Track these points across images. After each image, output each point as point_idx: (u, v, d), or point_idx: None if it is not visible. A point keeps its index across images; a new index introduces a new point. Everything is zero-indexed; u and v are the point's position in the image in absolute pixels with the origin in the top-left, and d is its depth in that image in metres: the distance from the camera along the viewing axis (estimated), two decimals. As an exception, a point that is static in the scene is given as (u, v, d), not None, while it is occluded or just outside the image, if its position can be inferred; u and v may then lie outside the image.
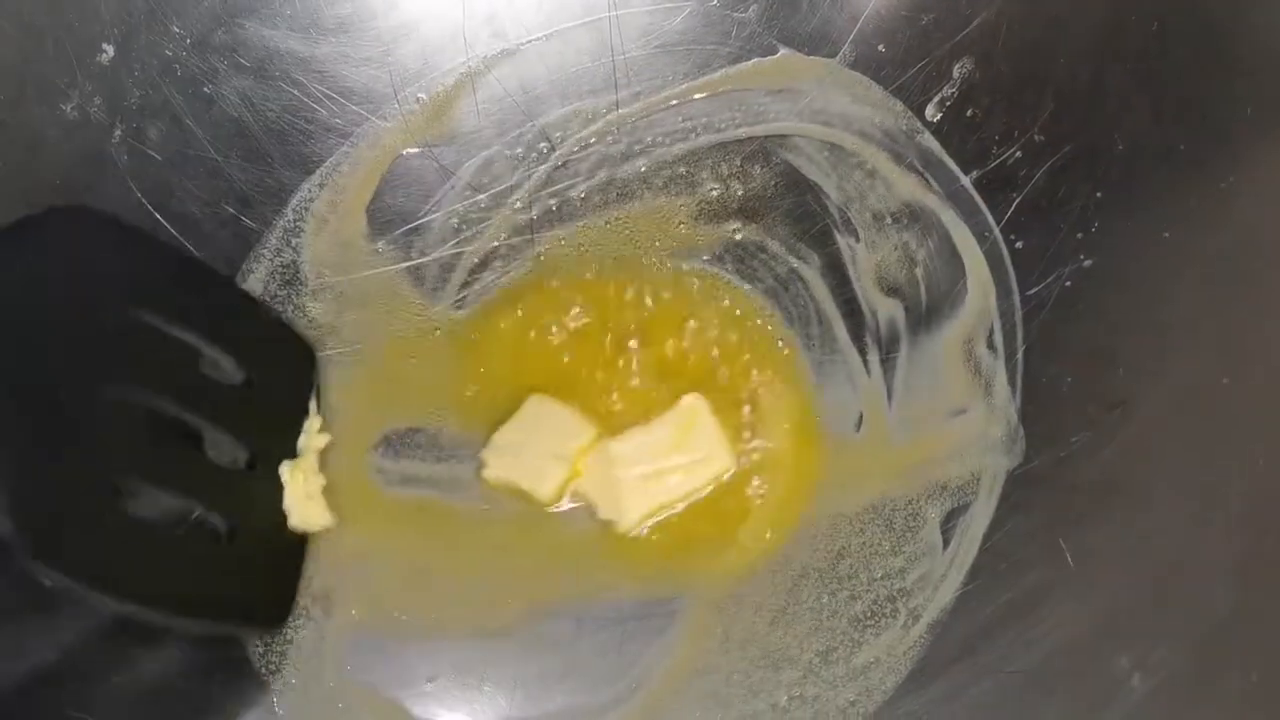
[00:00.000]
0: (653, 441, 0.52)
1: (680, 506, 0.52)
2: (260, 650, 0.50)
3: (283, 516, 0.51)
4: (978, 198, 0.55)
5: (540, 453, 0.52)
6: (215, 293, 0.53)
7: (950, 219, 0.56)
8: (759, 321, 0.55)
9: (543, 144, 0.57)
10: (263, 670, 0.49)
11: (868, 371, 0.54)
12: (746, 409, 0.54)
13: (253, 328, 0.53)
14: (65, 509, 0.41)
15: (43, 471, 0.40)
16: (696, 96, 0.58)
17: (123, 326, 0.46)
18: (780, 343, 0.55)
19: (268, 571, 0.51)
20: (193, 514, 0.47)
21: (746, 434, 0.53)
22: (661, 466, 0.51)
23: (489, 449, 0.52)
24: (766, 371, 0.54)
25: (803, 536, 0.50)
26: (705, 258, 0.56)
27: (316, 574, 0.51)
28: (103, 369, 0.44)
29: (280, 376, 0.53)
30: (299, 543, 0.52)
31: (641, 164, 0.57)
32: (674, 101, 0.58)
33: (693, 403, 0.53)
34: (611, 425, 0.53)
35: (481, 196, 0.57)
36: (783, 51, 0.58)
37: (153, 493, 0.45)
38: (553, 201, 0.57)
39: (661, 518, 0.52)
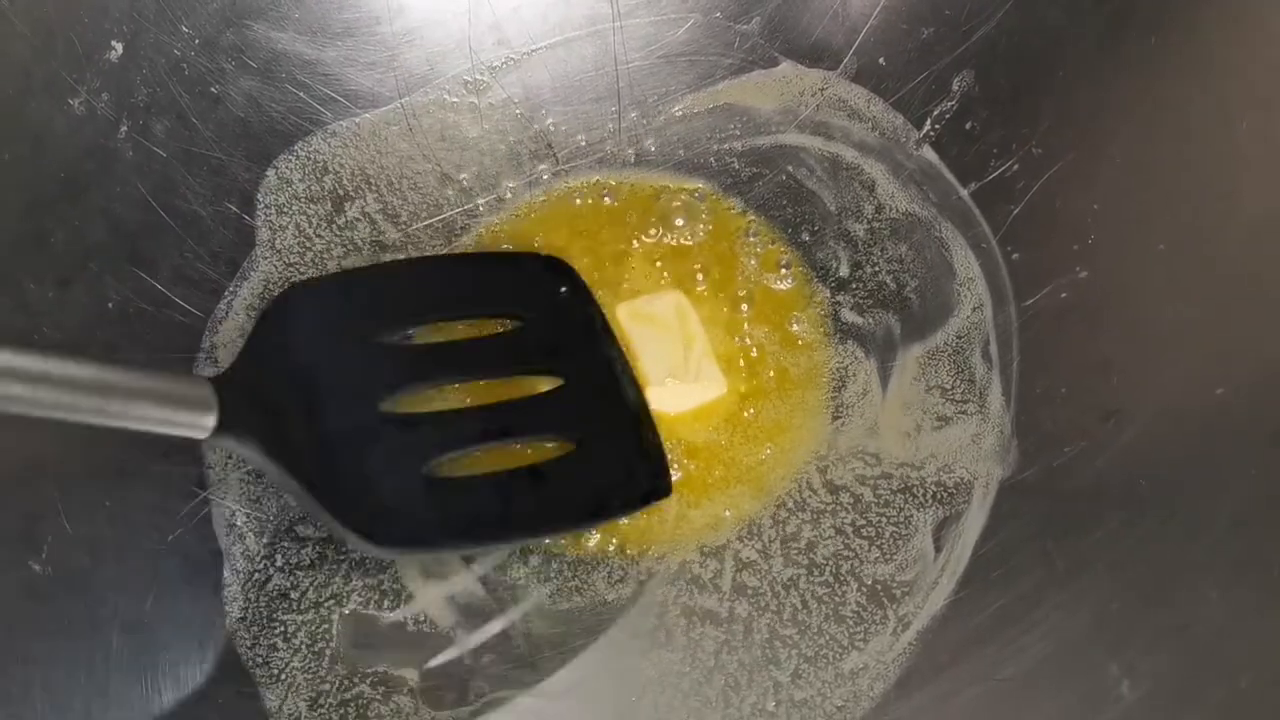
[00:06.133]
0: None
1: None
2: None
3: None
4: (975, 210, 0.56)
5: (682, 361, 0.53)
6: None
7: (948, 230, 0.56)
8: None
9: (544, 150, 0.58)
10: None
11: (863, 380, 0.54)
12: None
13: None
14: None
15: None
16: (698, 107, 0.59)
17: None
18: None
19: None
20: None
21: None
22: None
23: (655, 401, 0.52)
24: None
25: (787, 538, 0.50)
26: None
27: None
28: None
29: None
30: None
31: (641, 172, 0.58)
32: (676, 111, 0.59)
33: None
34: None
35: (480, 201, 0.57)
36: (784, 63, 0.59)
37: None
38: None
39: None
